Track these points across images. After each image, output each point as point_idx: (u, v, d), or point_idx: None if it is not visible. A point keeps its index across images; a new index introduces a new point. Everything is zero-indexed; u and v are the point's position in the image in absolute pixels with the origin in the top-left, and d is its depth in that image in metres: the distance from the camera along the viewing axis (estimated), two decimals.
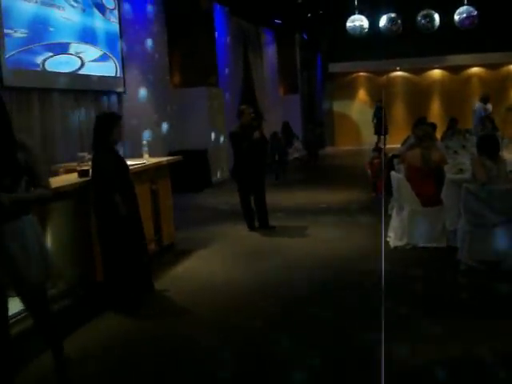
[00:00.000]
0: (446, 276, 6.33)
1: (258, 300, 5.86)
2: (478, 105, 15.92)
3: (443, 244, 7.30)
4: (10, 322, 4.81)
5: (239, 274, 6.76)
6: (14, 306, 4.91)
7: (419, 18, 16.88)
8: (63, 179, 6.49)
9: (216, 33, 15.29)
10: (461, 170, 7.56)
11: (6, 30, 8.47)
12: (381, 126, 18.58)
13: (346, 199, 11.41)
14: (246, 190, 8.85)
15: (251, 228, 8.91)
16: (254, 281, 6.47)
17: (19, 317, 5.00)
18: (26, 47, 8.93)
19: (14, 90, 8.66)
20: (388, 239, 7.75)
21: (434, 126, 9.69)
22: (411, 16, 17.08)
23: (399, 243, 7.48)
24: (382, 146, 11.79)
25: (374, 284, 6.16)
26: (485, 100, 15.80)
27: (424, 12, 16.80)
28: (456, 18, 16.76)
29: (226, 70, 16.74)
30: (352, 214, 9.85)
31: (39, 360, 4.65)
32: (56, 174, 7.45)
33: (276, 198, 11.83)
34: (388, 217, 8.35)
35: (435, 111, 24.36)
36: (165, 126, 13.78)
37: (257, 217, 8.99)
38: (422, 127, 8.46)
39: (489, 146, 6.71)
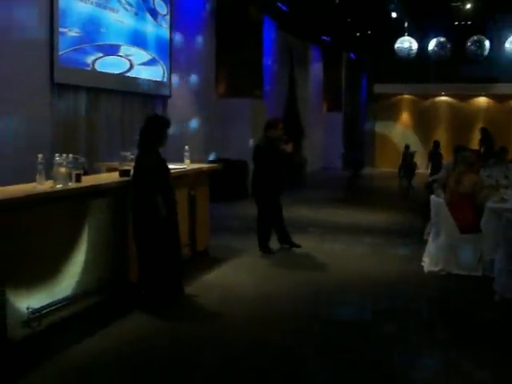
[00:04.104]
0: (480, 306, 6.20)
1: (284, 314, 5.82)
2: None
3: (479, 273, 7.15)
4: (41, 313, 4.89)
5: (269, 287, 6.74)
6: (41, 299, 4.99)
7: (469, 44, 16.73)
8: (104, 177, 6.58)
9: (264, 46, 15.38)
10: (502, 199, 7.42)
11: (61, 29, 8.65)
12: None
13: (381, 220, 11.33)
14: (271, 208, 8.32)
15: (268, 250, 8.30)
16: (283, 294, 6.44)
17: (50, 309, 5.06)
18: (78, 46, 9.11)
19: (63, 87, 8.84)
20: (422, 264, 7.65)
21: (478, 154, 9.52)
22: (461, 41, 16.95)
23: (434, 268, 7.37)
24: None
25: (406, 310, 6.11)
26: None
27: (474, 38, 16.64)
28: (507, 46, 16.56)
29: (271, 84, 16.80)
30: (387, 236, 9.79)
31: (68, 353, 4.71)
32: (98, 171, 7.55)
33: (308, 214, 11.88)
34: (424, 241, 8.26)
35: (478, 139, 24.06)
36: (207, 134, 13.86)
37: (279, 236, 8.54)
38: (461, 153, 8.36)
39: None
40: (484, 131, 18.97)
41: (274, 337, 5.20)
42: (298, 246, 8.56)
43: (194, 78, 13.37)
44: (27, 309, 4.77)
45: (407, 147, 18.21)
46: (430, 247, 7.66)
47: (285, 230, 8.60)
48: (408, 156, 18.09)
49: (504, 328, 5.57)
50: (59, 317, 5.15)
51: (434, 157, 15.82)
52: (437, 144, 16.23)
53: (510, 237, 6.21)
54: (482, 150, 17.09)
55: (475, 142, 22.74)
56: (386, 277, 7.27)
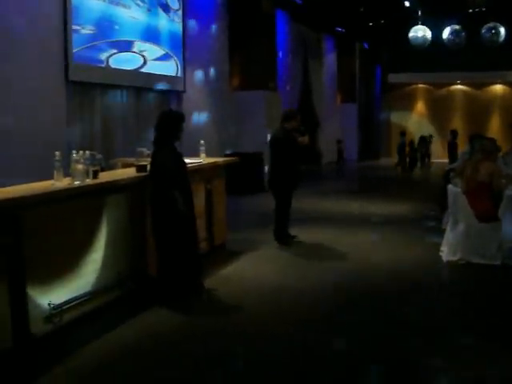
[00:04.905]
0: (501, 294, 6.17)
1: (303, 306, 5.82)
2: None
3: (498, 262, 7.12)
4: (63, 309, 4.94)
5: (287, 279, 6.75)
6: (63, 295, 5.04)
7: (484, 31, 16.57)
8: (120, 173, 6.61)
9: (277, 38, 15.36)
10: None
11: (74, 26, 8.70)
12: None
13: (399, 210, 11.30)
14: (288, 200, 8.35)
15: (285, 242, 8.30)
16: (302, 286, 6.44)
17: (71, 304, 5.10)
18: (92, 43, 9.16)
19: (78, 84, 8.89)
20: (441, 253, 7.62)
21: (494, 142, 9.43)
22: (476, 29, 16.79)
23: (452, 258, 7.34)
24: None
25: (427, 299, 6.10)
26: None
27: (489, 25, 16.48)
28: None
29: (285, 76, 16.77)
30: (405, 226, 9.77)
31: (89, 347, 4.75)
32: (113, 167, 7.59)
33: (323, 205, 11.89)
34: (442, 231, 8.22)
35: (495, 127, 23.89)
36: (222, 127, 13.88)
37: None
38: (479, 141, 8.27)
39: None
40: None
41: (296, 329, 5.19)
42: (294, 237, 8.53)
43: (207, 71, 13.38)
44: (49, 304, 4.82)
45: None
46: (449, 236, 7.62)
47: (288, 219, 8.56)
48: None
49: None
50: (80, 312, 5.20)
51: (451, 146, 15.74)
52: (454, 133, 16.11)
53: None
54: None
55: (492, 130, 22.60)
56: (406, 266, 7.25)
